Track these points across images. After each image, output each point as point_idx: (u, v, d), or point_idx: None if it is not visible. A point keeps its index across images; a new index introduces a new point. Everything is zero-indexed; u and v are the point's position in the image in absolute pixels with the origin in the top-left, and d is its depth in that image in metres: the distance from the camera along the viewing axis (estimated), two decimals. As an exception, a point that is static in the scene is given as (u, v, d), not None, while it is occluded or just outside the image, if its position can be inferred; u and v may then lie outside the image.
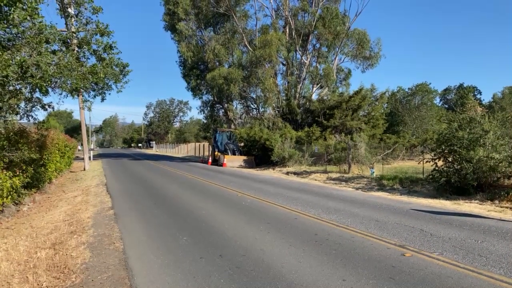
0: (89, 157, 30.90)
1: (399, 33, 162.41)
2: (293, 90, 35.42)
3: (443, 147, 13.82)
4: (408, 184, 15.55)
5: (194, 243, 6.92)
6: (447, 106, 69.03)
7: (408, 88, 46.82)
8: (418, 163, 16.96)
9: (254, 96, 36.97)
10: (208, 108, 41.79)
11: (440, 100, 73.75)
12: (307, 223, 8.57)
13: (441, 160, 14.01)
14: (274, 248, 6.52)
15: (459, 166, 13.00)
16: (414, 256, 6.03)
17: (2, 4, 7.19)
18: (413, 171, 19.25)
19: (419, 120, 42.55)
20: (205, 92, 40.78)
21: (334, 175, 20.29)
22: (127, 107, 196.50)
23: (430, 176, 14.45)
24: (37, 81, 9.00)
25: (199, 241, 7.05)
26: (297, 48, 35.12)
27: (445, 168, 13.69)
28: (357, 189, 15.72)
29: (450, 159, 13.60)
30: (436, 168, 14.01)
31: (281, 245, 6.72)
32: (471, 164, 12.39)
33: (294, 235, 7.44)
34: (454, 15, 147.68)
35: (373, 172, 19.47)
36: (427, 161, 14.90)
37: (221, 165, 29.80)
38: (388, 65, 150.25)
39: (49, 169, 16.36)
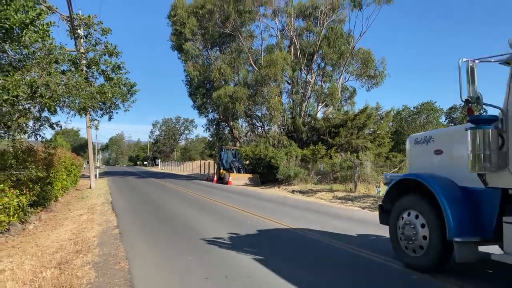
0: (95, 175, 31.03)
1: (404, 52, 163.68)
2: (298, 108, 35.61)
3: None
4: (415, 203, 15.43)
5: (200, 263, 6.89)
6: (453, 124, 68.87)
7: (414, 107, 46.95)
8: (425, 182, 16.85)
9: (259, 114, 37.21)
10: (214, 126, 42.08)
11: (446, 119, 73.58)
12: (312, 242, 8.51)
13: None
14: (278, 269, 6.49)
15: (465, 185, 12.91)
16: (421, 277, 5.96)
17: (14, 26, 7.39)
18: (419, 190, 19.11)
19: (425, 138, 42.48)
20: (210, 111, 41.13)
21: (340, 194, 20.19)
22: (133, 125, 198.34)
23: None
24: (46, 100, 9.16)
25: (205, 261, 7.03)
26: (302, 67, 35.45)
27: (451, 187, 13.59)
28: (363, 208, 15.62)
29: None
30: (443, 187, 13.90)
31: (285, 266, 6.68)
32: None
33: (299, 254, 7.39)
34: (458, 33, 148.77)
35: (380, 191, 19.37)
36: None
37: (227, 183, 29.78)
38: (393, 83, 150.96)
39: (56, 187, 16.43)
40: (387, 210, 7.02)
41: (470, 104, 5.22)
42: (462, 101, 5.24)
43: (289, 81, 36.32)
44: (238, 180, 30.02)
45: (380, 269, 6.47)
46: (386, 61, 36.84)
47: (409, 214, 6.22)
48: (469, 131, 5.19)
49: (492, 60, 5.41)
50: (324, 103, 35.63)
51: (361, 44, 39.76)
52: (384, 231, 8.11)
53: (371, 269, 6.49)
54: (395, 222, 6.56)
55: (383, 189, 19.81)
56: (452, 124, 67.13)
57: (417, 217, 6.05)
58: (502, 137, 5.06)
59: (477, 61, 5.21)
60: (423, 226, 5.93)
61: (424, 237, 5.89)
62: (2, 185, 9.87)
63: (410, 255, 6.23)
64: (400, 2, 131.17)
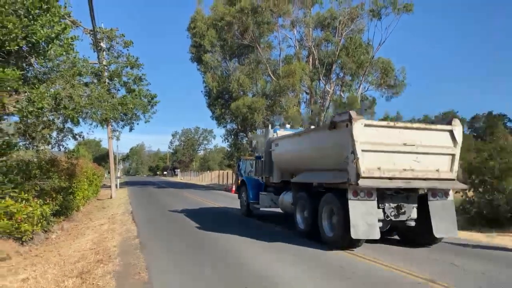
0: (116, 185, 31.41)
1: (425, 60, 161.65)
2: (317, 118, 35.46)
3: (473, 177, 13.43)
4: (437, 215, 15.06)
5: (219, 274, 6.87)
6: (475, 134, 67.40)
7: (435, 117, 46.14)
8: (447, 193, 16.47)
9: (277, 124, 37.19)
10: (232, 137, 42.21)
11: (468, 128, 72.13)
12: (332, 256, 8.39)
13: (471, 190, 13.60)
14: (295, 280, 6.41)
15: (490, 197, 12.57)
16: (446, 292, 5.80)
17: (41, 41, 7.63)
18: (442, 201, 18.67)
19: (447, 148, 41.61)
20: (229, 121, 41.32)
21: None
22: (153, 136, 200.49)
23: (460, 207, 14.00)
24: (69, 112, 9.38)
25: (224, 272, 7.01)
26: (321, 77, 35.38)
27: (476, 199, 13.26)
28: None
29: (480, 189, 13.18)
30: (467, 199, 13.59)
31: (307, 278, 6.60)
32: (504, 195, 11.96)
33: (318, 268, 7.29)
34: (480, 41, 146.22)
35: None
36: (456, 192, 14.49)
37: (245, 193, 29.57)
38: (414, 93, 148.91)
39: (77, 197, 16.69)
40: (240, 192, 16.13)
41: (251, 150, 17.56)
42: (250, 148, 18.15)
43: (308, 91, 36.28)
44: (257, 190, 29.72)
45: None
46: (406, 71, 36.50)
47: (243, 192, 15.28)
48: (255, 160, 14.59)
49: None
50: (343, 113, 35.38)
51: (380, 54, 39.54)
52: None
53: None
54: (240, 195, 15.86)
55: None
56: (475, 134, 65.72)
57: (243, 193, 15.30)
58: (263, 164, 13.45)
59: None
60: (243, 196, 15.26)
61: (242, 201, 15.43)
62: (26, 195, 10.09)
63: (242, 209, 15.58)
64: (420, 10, 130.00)
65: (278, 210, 13.55)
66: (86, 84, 11.41)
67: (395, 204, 8.72)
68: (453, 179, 8.96)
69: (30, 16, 7.55)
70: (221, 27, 35.35)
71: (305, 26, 35.42)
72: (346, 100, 34.44)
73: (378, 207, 8.48)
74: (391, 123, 8.92)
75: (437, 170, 8.79)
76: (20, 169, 10.53)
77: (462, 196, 13.83)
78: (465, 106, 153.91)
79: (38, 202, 10.45)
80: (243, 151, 41.76)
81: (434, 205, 8.77)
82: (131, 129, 14.82)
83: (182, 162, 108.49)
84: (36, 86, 8.78)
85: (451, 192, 9.12)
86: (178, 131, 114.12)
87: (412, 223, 9.04)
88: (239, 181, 16.03)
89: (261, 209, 14.24)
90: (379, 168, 8.29)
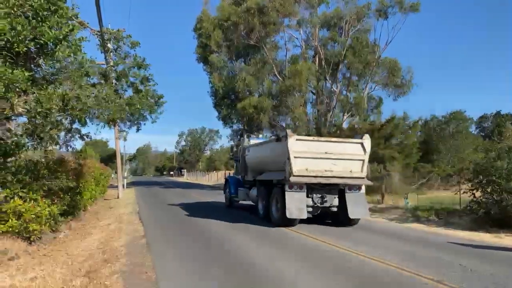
0: (123, 185, 31.58)
1: (432, 60, 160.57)
2: (323, 118, 35.38)
3: (481, 177, 13.34)
4: (445, 216, 14.98)
5: (225, 273, 6.89)
6: (483, 134, 66.80)
7: (442, 116, 45.77)
8: (455, 194, 16.37)
9: (283, 124, 37.14)
10: (238, 137, 42.25)
11: (476, 128, 71.52)
12: (339, 255, 8.38)
13: (479, 190, 13.50)
14: (303, 282, 6.41)
15: (499, 198, 12.48)
16: (453, 293, 5.78)
17: (49, 42, 7.69)
18: (449, 201, 18.56)
19: (454, 149, 41.27)
20: (235, 121, 41.40)
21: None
22: (160, 136, 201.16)
23: (468, 208, 13.91)
24: (77, 113, 9.44)
25: (230, 272, 7.02)
26: (327, 77, 35.27)
27: (483, 199, 13.17)
28: (391, 220, 15.30)
29: (488, 189, 13.08)
30: (474, 199, 13.49)
31: (312, 278, 6.60)
32: (512, 196, 11.87)
33: (325, 268, 7.29)
34: (489, 40, 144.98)
35: (408, 203, 18.92)
36: (464, 192, 14.40)
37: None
38: (421, 92, 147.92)
39: (85, 197, 16.80)
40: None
41: (232, 155, 20.77)
42: (231, 153, 21.78)
43: (314, 91, 36.18)
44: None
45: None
46: (413, 70, 36.20)
47: (227, 188, 18.60)
48: (235, 162, 18.97)
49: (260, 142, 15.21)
50: (349, 113, 35.27)
51: (387, 53, 39.37)
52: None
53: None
54: (225, 191, 19.23)
55: (411, 200, 19.36)
56: (483, 134, 65.15)
57: (227, 189, 18.61)
58: (240, 166, 16.53)
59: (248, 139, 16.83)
60: (227, 191, 18.62)
61: (226, 196, 18.84)
62: (34, 195, 10.18)
63: (226, 202, 19.01)
64: (427, 10, 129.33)
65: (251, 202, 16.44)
66: (93, 85, 11.49)
67: (320, 195, 12.14)
68: (363, 178, 12.41)
69: (39, 18, 7.61)
70: (227, 27, 35.37)
71: (311, 26, 35.32)
72: (352, 100, 34.32)
73: (308, 197, 11.89)
74: (316, 138, 12.97)
75: (351, 171, 12.19)
76: (28, 169, 10.61)
77: (469, 196, 13.74)
78: (473, 105, 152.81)
79: (46, 202, 10.53)
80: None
81: (349, 196, 12.14)
82: (138, 130, 14.93)
83: (189, 162, 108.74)
84: (44, 87, 8.85)
85: (363, 187, 12.57)
86: (184, 131, 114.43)
87: (335, 209, 12.52)
88: (225, 180, 19.80)
89: (240, 201, 17.72)
90: (306, 169, 11.63)
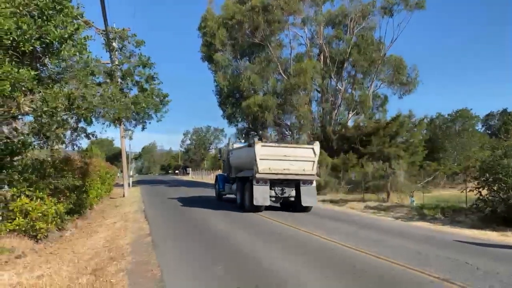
0: (128, 184, 31.69)
1: (437, 57, 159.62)
2: (328, 116, 35.33)
3: (487, 175, 13.26)
4: (451, 214, 14.90)
5: (229, 272, 6.90)
6: (490, 132, 66.36)
7: (448, 114, 45.54)
8: (461, 192, 16.27)
9: (288, 123, 37.13)
10: (243, 135, 42.27)
11: (482, 126, 71.05)
12: (345, 254, 8.37)
13: (486, 188, 13.42)
14: (311, 280, 6.41)
15: (505, 196, 12.39)
16: (460, 292, 5.75)
17: (54, 41, 7.73)
18: (455, 200, 18.46)
19: (460, 147, 41.05)
20: (240, 120, 41.40)
21: (372, 204, 19.79)
22: (165, 135, 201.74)
23: (474, 206, 13.83)
24: (82, 111, 9.49)
25: (234, 269, 7.03)
26: (332, 75, 35.20)
27: (490, 197, 13.09)
28: (396, 218, 15.25)
29: (495, 188, 13.00)
30: (480, 197, 13.41)
31: (317, 277, 6.59)
32: (519, 194, 11.78)
33: (331, 267, 7.27)
34: (495, 38, 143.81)
35: (413, 201, 18.84)
36: (470, 190, 14.32)
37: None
38: (426, 90, 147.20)
39: (91, 196, 16.89)
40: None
41: (219, 157, 26.30)
42: (219, 155, 27.62)
43: (319, 90, 36.12)
44: (268, 189, 29.51)
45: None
46: (419, 68, 36.09)
47: (216, 184, 22.03)
48: (223, 163, 23.10)
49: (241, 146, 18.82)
50: (354, 111, 35.19)
51: (392, 51, 39.10)
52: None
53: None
54: (215, 187, 22.65)
55: (417, 199, 19.28)
56: (489, 132, 64.69)
57: (216, 185, 21.96)
58: (226, 165, 20.95)
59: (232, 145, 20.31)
60: (216, 187, 21.98)
61: (216, 190, 22.17)
62: (41, 193, 10.24)
63: (216, 196, 22.20)
64: (432, 7, 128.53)
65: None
66: (99, 84, 11.54)
67: (280, 188, 15.65)
68: (314, 175, 15.90)
69: (44, 17, 7.65)
70: (231, 26, 35.35)
71: (316, 24, 35.25)
72: (357, 98, 34.23)
73: (271, 189, 15.35)
74: (277, 144, 16.71)
75: (304, 170, 15.55)
76: (35, 168, 10.68)
77: (476, 194, 13.66)
78: (480, 103, 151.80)
79: (53, 200, 10.60)
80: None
81: (303, 188, 15.58)
82: (143, 128, 14.96)
83: (194, 161, 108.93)
84: (50, 86, 8.90)
85: (314, 182, 16.04)
86: (189, 130, 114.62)
87: (293, 199, 16.00)
88: (215, 178, 22.86)
89: (226, 195, 21.08)
90: (269, 168, 15.09)
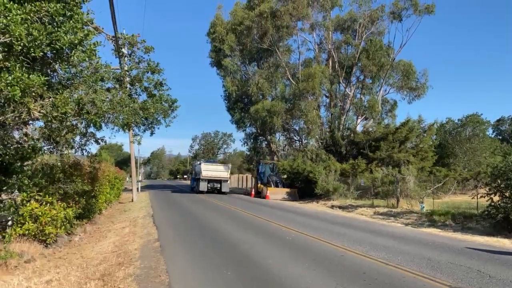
0: (137, 189, 31.83)
1: (447, 62, 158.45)
2: (336, 121, 35.20)
3: (499, 181, 13.07)
4: (462, 220, 14.70)
5: (238, 277, 6.85)
6: (501, 137, 65.54)
7: (458, 119, 45.05)
8: (472, 198, 16.06)
9: (297, 128, 37.11)
10: (251, 140, 42.31)
11: (493, 131, 70.16)
12: (354, 260, 8.27)
13: (497, 195, 13.22)
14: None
15: (518, 202, 12.20)
16: (472, 300, 5.64)
17: (64, 47, 7.78)
18: (466, 206, 18.24)
19: (471, 152, 40.53)
20: (248, 125, 41.46)
21: (381, 210, 19.61)
22: (174, 140, 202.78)
23: (486, 212, 13.63)
24: (92, 117, 9.51)
25: (244, 275, 6.98)
26: (340, 80, 35.12)
27: (502, 204, 12.89)
28: (406, 224, 15.08)
29: (507, 194, 12.80)
30: (492, 204, 13.22)
31: (327, 284, 6.51)
32: (532, 200, 11.59)
33: (341, 273, 7.19)
34: (503, 41, 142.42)
35: (423, 207, 18.63)
36: (481, 196, 14.12)
37: (264, 197, 29.68)
38: (436, 95, 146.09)
39: (100, 200, 16.97)
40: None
41: (190, 172, 63.86)
42: (191, 170, 59.49)
43: (327, 95, 36.06)
44: (276, 194, 29.86)
45: None
46: (428, 73, 35.79)
47: (192, 182, 43.38)
48: (192, 171, 46.89)
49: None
50: (363, 116, 35.03)
51: (401, 56, 39.11)
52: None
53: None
54: (191, 183, 45.15)
55: (427, 205, 19.06)
56: (500, 138, 63.91)
57: (191, 183, 46.22)
58: (194, 173, 41.11)
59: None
60: (192, 184, 43.40)
61: (191, 186, 43.38)
62: (50, 198, 10.30)
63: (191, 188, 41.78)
64: (442, 11, 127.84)
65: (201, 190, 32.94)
66: (108, 89, 11.58)
67: (212, 184, 34.14)
68: (227, 178, 35.25)
69: (54, 23, 7.71)
70: (240, 31, 35.52)
71: (325, 29, 35.26)
72: (366, 103, 34.07)
73: (208, 184, 33.78)
74: (211, 163, 37.07)
75: (222, 175, 34.42)
76: (44, 172, 10.76)
77: (487, 200, 13.46)
78: (490, 108, 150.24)
79: (62, 205, 10.66)
80: (262, 155, 41.78)
81: (222, 184, 34.44)
82: (152, 134, 14.95)
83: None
84: (60, 91, 8.95)
85: (228, 181, 35.78)
86: (198, 135, 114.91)
87: (218, 188, 34.40)
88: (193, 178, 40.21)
89: (195, 190, 36.21)
90: (207, 174, 33.67)
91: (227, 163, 43.45)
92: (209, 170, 33.75)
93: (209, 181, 33.66)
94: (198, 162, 40.17)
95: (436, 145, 37.09)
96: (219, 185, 34.11)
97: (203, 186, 33.34)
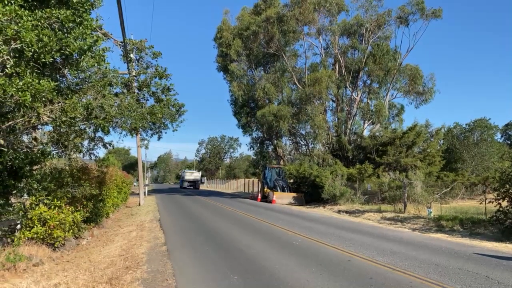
0: (144, 193, 31.95)
1: (454, 67, 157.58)
2: (343, 126, 35.12)
3: (507, 186, 12.96)
4: (470, 226, 14.59)
5: (245, 283, 6.86)
6: (509, 142, 64.97)
7: (466, 124, 44.76)
8: (480, 203, 15.93)
9: (303, 132, 37.07)
10: (258, 145, 42.30)
11: (502, 136, 69.56)
12: (361, 265, 8.25)
13: (506, 200, 13.11)
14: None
15: (526, 207, 12.09)
16: (480, 306, 5.61)
17: (74, 52, 7.88)
18: (474, 211, 18.09)
19: (479, 157, 40.21)
20: (255, 129, 41.48)
21: (388, 215, 19.52)
22: (180, 144, 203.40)
23: (494, 218, 13.51)
24: (100, 121, 9.60)
25: (250, 281, 6.99)
26: (347, 85, 35.07)
27: (510, 209, 12.78)
28: (413, 230, 15.00)
29: (516, 199, 12.70)
30: (501, 209, 13.11)
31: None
32: (541, 206, 11.48)
33: (348, 279, 7.18)
34: (509, 46, 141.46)
35: (431, 212, 18.51)
36: (489, 201, 14.01)
37: (270, 201, 29.64)
38: (444, 100, 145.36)
39: (107, 204, 17.07)
40: None
41: (176, 177, 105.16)
42: (179, 174, 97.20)
43: (334, 99, 36.00)
44: (282, 199, 29.80)
45: None
46: (436, 77, 35.66)
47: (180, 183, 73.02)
48: (181, 176, 78.75)
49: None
50: (370, 121, 34.92)
51: (408, 60, 38.90)
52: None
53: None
54: (180, 184, 74.45)
55: (435, 210, 18.94)
56: (509, 142, 63.33)
57: (180, 184, 74.17)
58: (181, 178, 75.28)
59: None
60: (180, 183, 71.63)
61: (180, 185, 71.57)
62: (59, 202, 10.41)
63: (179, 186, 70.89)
64: (449, 16, 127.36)
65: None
66: (116, 94, 11.68)
67: (191, 182, 63.34)
68: (199, 179, 67.56)
69: (64, 29, 7.82)
70: (246, 36, 35.65)
71: (331, 34, 35.27)
72: (373, 107, 33.98)
73: (188, 182, 63.22)
74: (191, 172, 69.52)
75: (197, 177, 66.45)
76: (53, 176, 10.86)
77: (495, 206, 13.36)
78: (499, 112, 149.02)
79: (70, 209, 10.76)
80: (269, 159, 41.76)
81: (197, 183, 64.37)
82: (159, 138, 15.05)
83: (208, 170, 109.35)
84: (69, 96, 9.06)
85: (200, 182, 67.27)
86: (204, 139, 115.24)
87: (194, 185, 63.52)
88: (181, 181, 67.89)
89: (182, 187, 62.06)
90: (187, 177, 64.32)
91: (200, 171, 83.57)
92: (188, 175, 64.51)
93: (189, 181, 62.54)
94: (183, 170, 73.50)
95: (444, 150, 36.82)
96: (194, 184, 62.99)
97: (185, 184, 62.20)
